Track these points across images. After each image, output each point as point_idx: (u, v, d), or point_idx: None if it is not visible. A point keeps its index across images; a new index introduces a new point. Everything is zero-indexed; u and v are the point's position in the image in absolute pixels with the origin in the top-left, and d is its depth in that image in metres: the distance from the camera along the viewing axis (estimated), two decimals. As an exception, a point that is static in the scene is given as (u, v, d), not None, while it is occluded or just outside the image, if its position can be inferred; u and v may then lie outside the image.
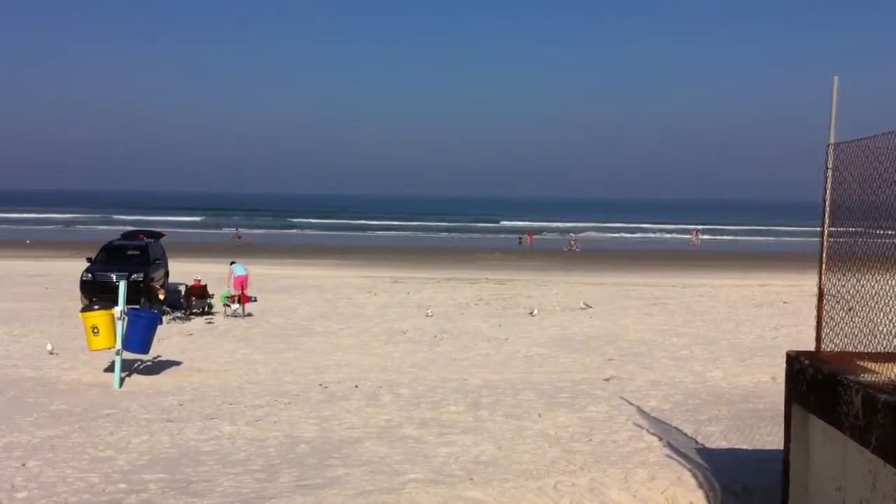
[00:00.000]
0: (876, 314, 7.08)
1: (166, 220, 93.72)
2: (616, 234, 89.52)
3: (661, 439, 11.99)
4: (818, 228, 8.35)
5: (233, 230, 75.92)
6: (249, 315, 24.94)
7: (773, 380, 15.99)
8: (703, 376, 16.94)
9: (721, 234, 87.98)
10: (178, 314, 24.76)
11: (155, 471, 10.60)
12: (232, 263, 27.93)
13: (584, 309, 26.60)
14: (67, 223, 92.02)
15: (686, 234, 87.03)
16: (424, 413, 13.84)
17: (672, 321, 24.65)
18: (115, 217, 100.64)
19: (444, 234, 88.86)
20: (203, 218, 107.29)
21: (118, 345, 16.25)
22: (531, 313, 25.68)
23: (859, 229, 7.65)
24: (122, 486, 9.97)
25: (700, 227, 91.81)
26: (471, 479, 10.21)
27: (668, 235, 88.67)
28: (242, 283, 26.33)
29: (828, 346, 8.07)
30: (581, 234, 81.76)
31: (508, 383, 16.16)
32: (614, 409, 14.05)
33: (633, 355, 19.23)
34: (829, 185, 8.11)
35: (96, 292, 24.95)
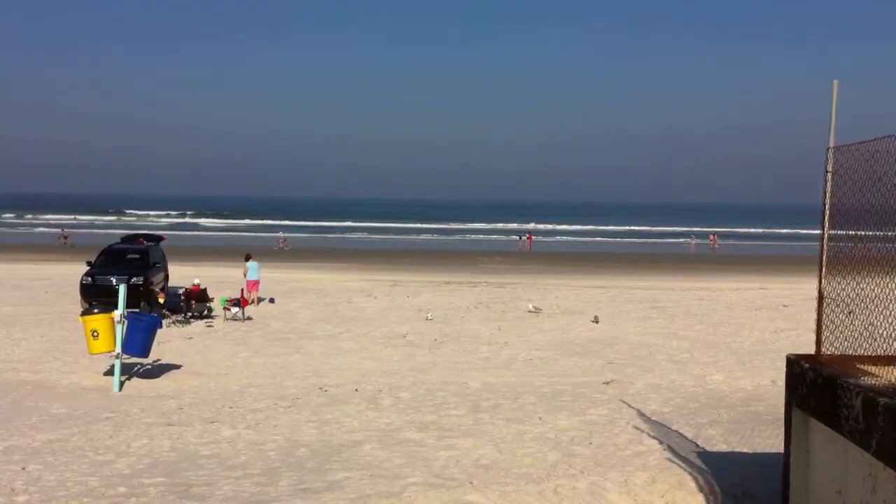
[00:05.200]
0: (876, 317, 7.07)
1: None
2: (616, 238, 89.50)
3: (661, 443, 11.99)
4: (818, 231, 8.36)
5: (58, 230, 71.48)
6: (249, 319, 24.94)
7: (773, 383, 16.00)
8: (703, 379, 16.95)
9: (721, 238, 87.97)
10: (178, 318, 24.76)
11: (155, 474, 10.59)
12: (248, 259, 28.44)
13: (534, 312, 26.53)
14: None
15: (684, 237, 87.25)
16: (425, 416, 13.83)
17: (672, 324, 24.66)
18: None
19: (444, 236, 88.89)
20: (179, 220, 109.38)
21: (118, 348, 16.25)
22: (594, 320, 24.92)
23: (859, 232, 7.65)
24: (122, 489, 9.96)
25: (716, 230, 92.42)
26: (471, 482, 10.21)
27: (667, 240, 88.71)
28: (253, 286, 26.82)
29: (828, 350, 8.07)
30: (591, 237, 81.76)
31: (508, 387, 16.16)
32: (614, 412, 14.05)
33: (633, 358, 19.23)
34: (828, 189, 8.11)
35: (96, 296, 24.99)
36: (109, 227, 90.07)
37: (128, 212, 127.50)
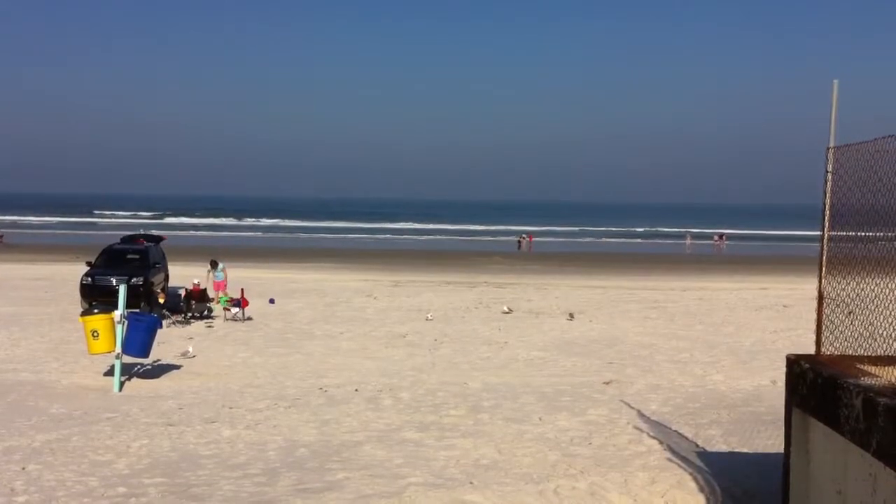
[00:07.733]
0: (876, 317, 7.07)
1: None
2: (615, 239, 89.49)
3: (661, 443, 11.99)
4: (818, 232, 8.35)
5: None
6: (249, 319, 24.94)
7: (773, 383, 16.01)
8: (703, 380, 16.95)
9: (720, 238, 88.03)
10: (178, 318, 24.75)
11: (154, 475, 10.59)
12: (214, 265, 28.61)
13: (507, 313, 26.58)
14: None
15: (681, 238, 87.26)
16: (424, 417, 13.83)
17: (672, 324, 24.67)
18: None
19: (444, 237, 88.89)
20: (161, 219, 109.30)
21: (118, 348, 16.25)
22: (569, 317, 25.61)
23: (859, 233, 7.64)
24: (122, 489, 9.97)
25: (723, 231, 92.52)
26: (471, 482, 10.21)
27: (668, 240, 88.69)
28: (220, 287, 27.00)
29: (828, 350, 8.07)
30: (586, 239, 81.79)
31: (508, 387, 16.16)
32: (614, 412, 14.05)
33: (633, 359, 19.24)
34: (828, 189, 8.11)
35: (96, 296, 24.97)
36: (45, 227, 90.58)
37: (95, 211, 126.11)
